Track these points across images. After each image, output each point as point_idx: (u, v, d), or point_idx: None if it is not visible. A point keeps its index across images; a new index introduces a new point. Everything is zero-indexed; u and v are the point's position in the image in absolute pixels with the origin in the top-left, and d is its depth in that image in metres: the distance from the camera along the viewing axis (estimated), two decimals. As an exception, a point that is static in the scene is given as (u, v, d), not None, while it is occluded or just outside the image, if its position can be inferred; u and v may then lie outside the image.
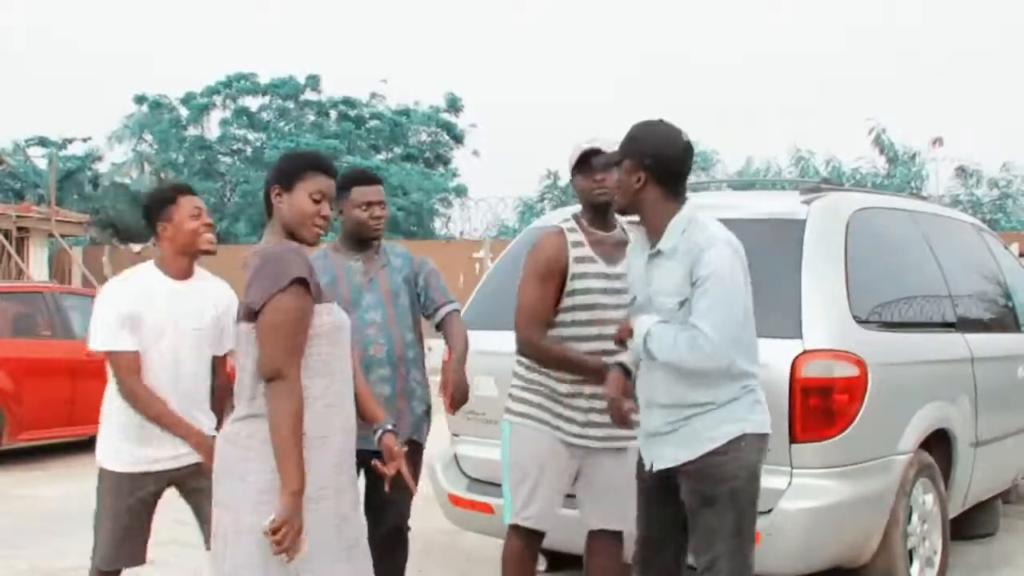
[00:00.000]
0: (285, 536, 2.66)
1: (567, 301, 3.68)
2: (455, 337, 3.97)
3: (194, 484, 3.72)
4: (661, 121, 3.31)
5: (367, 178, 4.03)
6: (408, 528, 4.08)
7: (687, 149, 3.27)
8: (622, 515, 3.67)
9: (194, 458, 3.63)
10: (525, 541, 3.79)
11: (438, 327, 4.07)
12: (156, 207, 3.65)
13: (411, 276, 4.04)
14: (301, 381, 2.73)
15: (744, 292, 3.16)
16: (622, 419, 3.40)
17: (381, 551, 3.93)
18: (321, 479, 2.79)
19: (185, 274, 3.69)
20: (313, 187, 2.88)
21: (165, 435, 3.60)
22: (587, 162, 3.68)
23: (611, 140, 3.57)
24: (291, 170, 2.91)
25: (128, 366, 3.54)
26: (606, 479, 3.73)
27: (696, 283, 3.11)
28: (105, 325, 3.55)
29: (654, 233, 3.25)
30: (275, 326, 2.71)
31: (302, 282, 2.75)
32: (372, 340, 3.89)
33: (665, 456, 3.26)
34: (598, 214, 3.75)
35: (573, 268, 3.68)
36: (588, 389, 3.67)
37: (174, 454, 3.66)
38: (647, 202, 3.24)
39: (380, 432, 3.09)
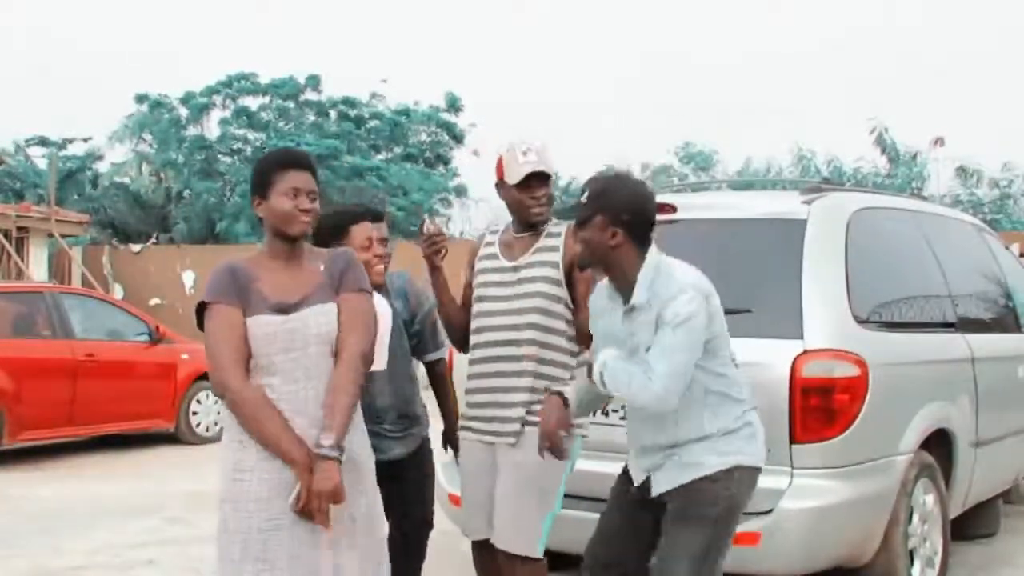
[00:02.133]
0: (309, 505, 2.76)
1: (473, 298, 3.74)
2: (444, 398, 4.07)
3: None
4: (622, 173, 3.29)
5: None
6: (431, 527, 4.05)
7: (654, 198, 3.28)
8: (502, 530, 3.55)
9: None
10: (474, 552, 3.78)
11: (427, 368, 4.09)
12: (328, 237, 3.59)
13: (408, 319, 3.95)
14: (247, 383, 2.84)
15: (700, 339, 3.09)
16: (554, 449, 3.33)
17: (400, 551, 3.88)
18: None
19: None
20: (284, 185, 2.93)
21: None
22: (530, 180, 3.59)
23: (544, 149, 3.58)
24: (262, 178, 2.97)
25: None
26: (501, 480, 3.59)
27: (660, 327, 3.08)
28: None
29: (626, 285, 3.19)
30: (206, 351, 2.90)
31: (211, 302, 2.89)
32: (378, 392, 3.78)
33: (660, 482, 3.24)
34: (527, 226, 3.68)
35: (476, 264, 3.73)
36: (482, 382, 3.65)
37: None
38: (621, 257, 3.17)
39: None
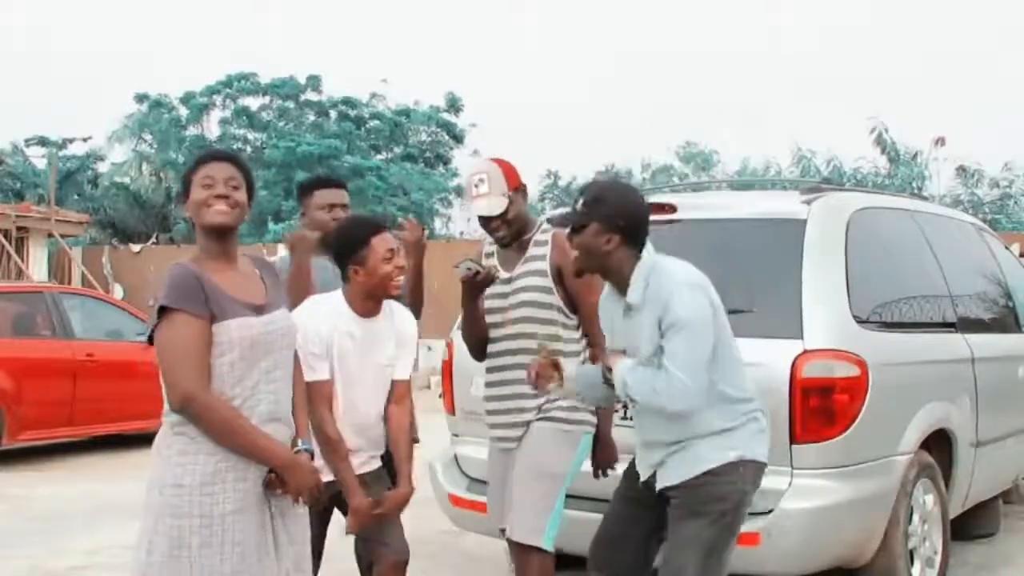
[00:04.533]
0: (303, 493, 2.80)
1: None
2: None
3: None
4: (618, 180, 3.33)
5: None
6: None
7: (646, 203, 3.36)
8: (511, 519, 3.67)
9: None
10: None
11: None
12: (348, 249, 3.53)
13: None
14: (212, 394, 2.71)
15: (712, 329, 3.15)
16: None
17: None
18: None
19: (372, 313, 3.58)
20: (197, 178, 2.84)
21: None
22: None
23: (493, 176, 3.64)
24: (184, 180, 2.91)
25: (321, 393, 3.46)
26: (511, 480, 3.72)
27: (665, 330, 3.12)
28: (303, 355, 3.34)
29: (623, 287, 3.26)
30: (162, 359, 2.73)
31: (175, 308, 2.70)
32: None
33: (665, 477, 3.29)
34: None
35: None
36: (492, 391, 3.80)
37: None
38: (617, 260, 3.23)
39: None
